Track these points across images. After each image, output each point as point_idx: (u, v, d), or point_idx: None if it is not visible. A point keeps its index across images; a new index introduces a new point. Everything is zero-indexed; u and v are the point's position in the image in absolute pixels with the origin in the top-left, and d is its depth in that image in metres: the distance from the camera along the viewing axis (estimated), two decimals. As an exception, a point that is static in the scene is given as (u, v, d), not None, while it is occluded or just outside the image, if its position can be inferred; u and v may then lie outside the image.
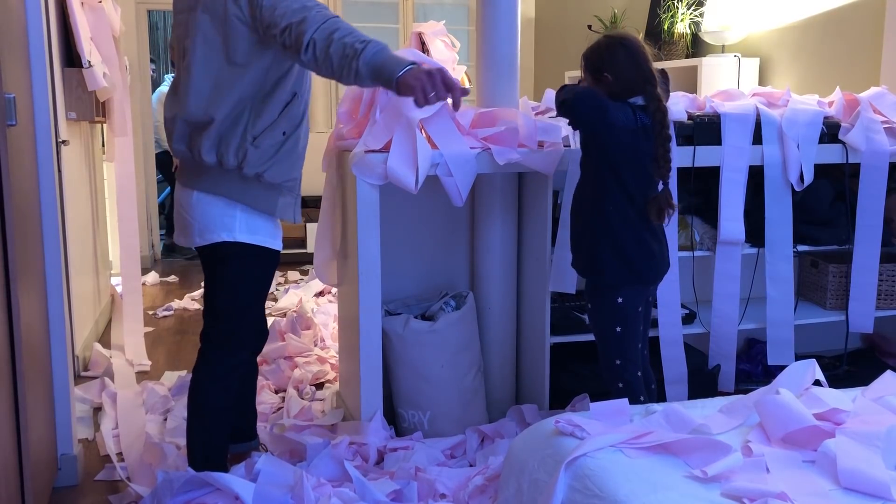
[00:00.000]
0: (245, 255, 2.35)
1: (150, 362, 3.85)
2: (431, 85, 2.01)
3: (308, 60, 2.09)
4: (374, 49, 2.04)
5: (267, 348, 3.88)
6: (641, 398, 2.42)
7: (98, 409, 3.24)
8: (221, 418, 2.45)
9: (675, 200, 2.46)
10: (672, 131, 2.47)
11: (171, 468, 2.55)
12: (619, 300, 2.40)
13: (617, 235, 2.37)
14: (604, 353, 2.47)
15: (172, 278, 5.71)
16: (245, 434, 2.69)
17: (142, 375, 3.68)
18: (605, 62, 2.33)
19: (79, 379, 3.56)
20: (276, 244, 2.40)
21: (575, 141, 2.75)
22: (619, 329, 2.42)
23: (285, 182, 2.31)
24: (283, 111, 2.25)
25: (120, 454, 2.81)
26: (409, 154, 2.54)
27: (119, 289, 4.93)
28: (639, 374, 2.46)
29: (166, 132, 2.35)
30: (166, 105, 2.34)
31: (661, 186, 2.37)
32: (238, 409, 2.58)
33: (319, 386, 3.47)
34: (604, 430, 1.93)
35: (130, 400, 3.19)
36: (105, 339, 4.23)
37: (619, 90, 2.32)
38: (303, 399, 3.26)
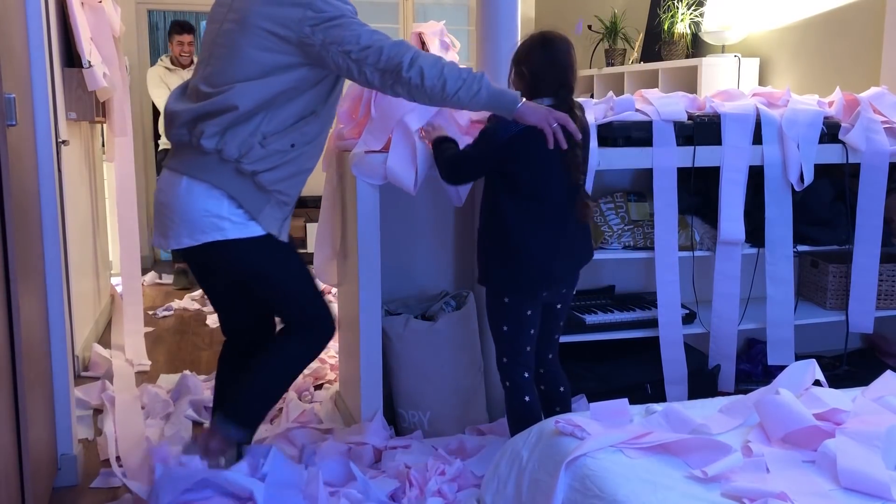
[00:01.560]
0: (249, 249, 2.27)
1: (149, 362, 3.85)
2: (554, 117, 2.20)
3: (412, 76, 2.13)
4: (485, 76, 2.21)
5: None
6: (526, 398, 2.41)
7: (98, 412, 3.23)
8: (283, 389, 2.47)
9: (589, 199, 2.41)
10: (592, 137, 2.54)
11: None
12: (506, 300, 2.39)
13: (508, 241, 2.34)
14: (496, 350, 2.47)
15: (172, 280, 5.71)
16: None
17: (141, 376, 3.68)
18: (523, 57, 2.35)
19: (79, 379, 3.56)
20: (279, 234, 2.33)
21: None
22: (505, 328, 2.41)
23: (277, 190, 2.25)
24: (297, 123, 2.24)
25: (119, 458, 2.80)
26: (408, 155, 2.54)
27: (119, 289, 4.93)
28: (526, 375, 2.43)
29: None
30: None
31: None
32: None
33: (319, 386, 3.47)
34: (604, 430, 1.94)
35: (129, 404, 3.18)
36: (105, 340, 4.23)
37: (530, 87, 2.32)
38: (301, 402, 3.25)
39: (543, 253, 2.34)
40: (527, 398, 2.42)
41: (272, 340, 2.48)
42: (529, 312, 2.40)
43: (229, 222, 2.22)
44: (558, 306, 2.51)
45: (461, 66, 2.22)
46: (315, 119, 2.27)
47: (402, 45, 2.17)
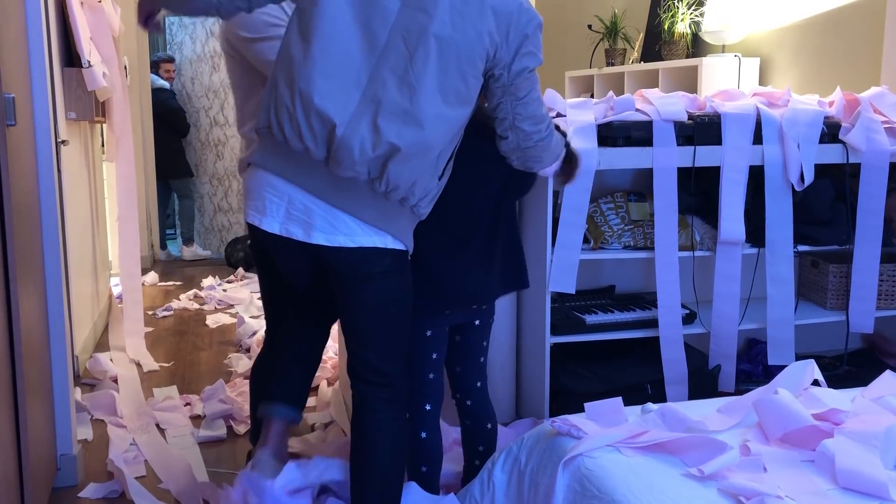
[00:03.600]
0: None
1: (157, 366, 3.84)
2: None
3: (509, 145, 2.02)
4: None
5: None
6: (422, 434, 2.19)
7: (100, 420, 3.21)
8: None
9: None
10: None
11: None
12: None
13: (419, 258, 2.10)
14: None
15: (171, 282, 5.71)
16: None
17: (149, 380, 3.69)
18: None
19: (76, 379, 3.56)
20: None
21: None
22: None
23: (421, 213, 2.00)
24: (450, 159, 1.99)
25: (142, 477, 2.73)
26: None
27: (118, 290, 4.94)
28: (428, 407, 2.21)
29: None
30: None
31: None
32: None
33: (316, 388, 3.47)
34: (600, 429, 1.94)
35: (160, 444, 3.00)
36: (104, 341, 4.23)
37: None
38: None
39: (446, 267, 2.14)
40: (423, 434, 2.20)
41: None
42: (429, 334, 2.18)
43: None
44: (476, 323, 2.28)
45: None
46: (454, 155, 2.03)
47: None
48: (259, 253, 2.31)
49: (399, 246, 1.96)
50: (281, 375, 2.29)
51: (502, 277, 2.26)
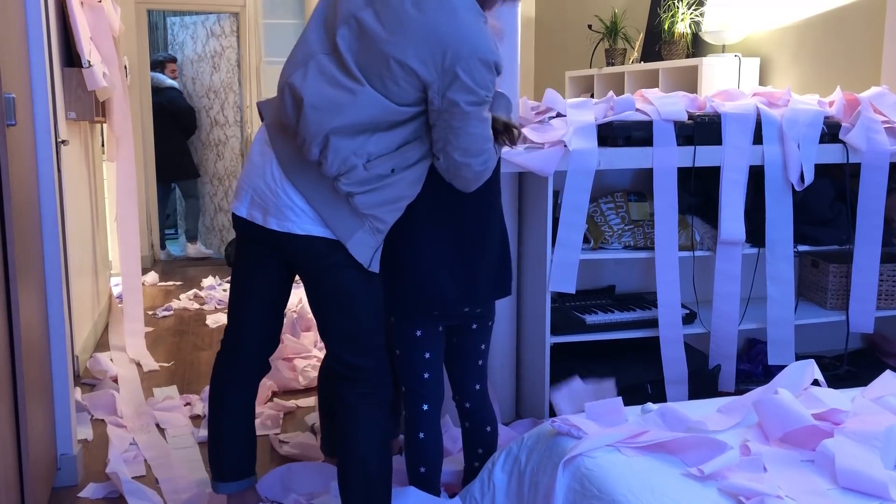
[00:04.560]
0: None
1: (157, 367, 3.84)
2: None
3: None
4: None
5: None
6: (420, 435, 2.19)
7: (101, 421, 3.20)
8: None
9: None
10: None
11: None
12: (392, 319, 2.18)
13: (398, 252, 2.13)
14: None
15: (172, 282, 5.71)
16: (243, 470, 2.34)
17: (149, 380, 3.68)
18: None
19: (76, 379, 3.56)
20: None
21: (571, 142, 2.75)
22: (398, 351, 2.20)
23: (371, 216, 2.01)
24: (402, 146, 2.00)
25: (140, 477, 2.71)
26: None
27: (117, 290, 4.94)
28: (425, 407, 2.20)
29: None
30: None
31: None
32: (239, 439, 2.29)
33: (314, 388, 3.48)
34: (600, 429, 1.94)
35: (160, 444, 2.98)
36: (104, 341, 4.23)
37: None
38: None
39: (436, 271, 2.12)
40: (421, 435, 2.19)
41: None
42: (419, 333, 2.17)
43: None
44: (473, 326, 2.26)
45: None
46: (419, 143, 2.02)
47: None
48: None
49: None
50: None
51: (495, 282, 2.24)
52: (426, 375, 2.20)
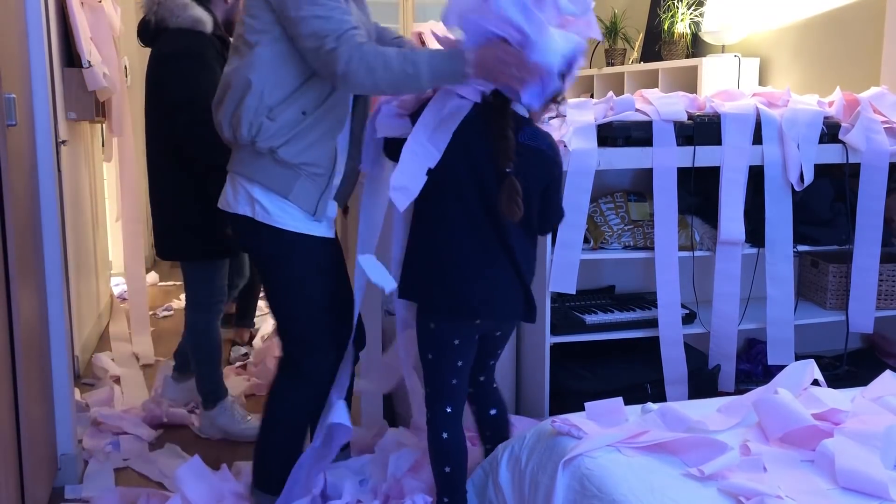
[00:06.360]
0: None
1: (153, 361, 3.84)
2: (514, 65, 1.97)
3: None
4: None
5: (262, 348, 3.88)
6: (444, 435, 2.20)
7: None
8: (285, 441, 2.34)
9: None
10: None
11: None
12: (431, 325, 2.18)
13: (442, 256, 2.13)
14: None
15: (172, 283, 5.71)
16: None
17: (150, 374, 3.68)
18: None
19: (77, 379, 3.56)
20: (313, 229, 2.17)
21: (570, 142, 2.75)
22: (430, 356, 2.20)
23: (303, 164, 2.08)
24: (300, 87, 2.07)
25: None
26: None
27: (118, 290, 4.94)
28: (448, 409, 2.21)
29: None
30: None
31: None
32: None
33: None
34: (600, 429, 1.94)
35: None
36: (105, 341, 4.23)
37: None
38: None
39: (484, 278, 2.12)
40: (444, 435, 2.22)
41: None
42: (457, 342, 2.18)
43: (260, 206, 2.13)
44: (497, 334, 2.29)
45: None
46: (319, 79, 2.07)
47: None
48: None
49: (273, 213, 2.11)
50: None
51: (525, 300, 2.23)
52: (454, 381, 2.22)
